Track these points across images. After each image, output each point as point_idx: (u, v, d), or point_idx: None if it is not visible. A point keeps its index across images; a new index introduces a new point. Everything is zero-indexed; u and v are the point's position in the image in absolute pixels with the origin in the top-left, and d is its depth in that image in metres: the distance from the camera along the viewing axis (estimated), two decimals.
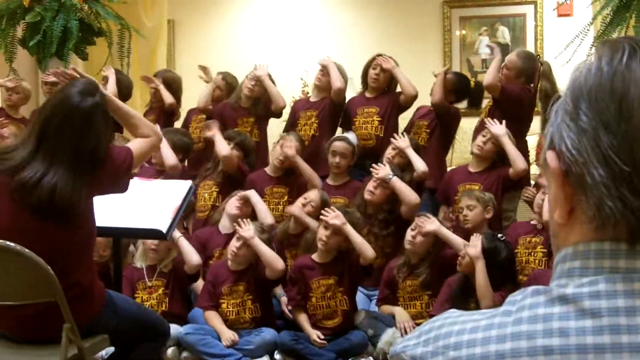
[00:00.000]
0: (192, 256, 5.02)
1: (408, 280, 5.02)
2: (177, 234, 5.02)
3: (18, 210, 3.17)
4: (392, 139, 5.68)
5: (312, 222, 5.23)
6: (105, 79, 6.51)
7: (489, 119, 5.62)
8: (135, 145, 3.53)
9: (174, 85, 6.85)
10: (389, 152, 5.77)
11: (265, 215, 5.47)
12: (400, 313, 4.96)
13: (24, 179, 3.12)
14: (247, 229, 4.92)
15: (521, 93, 5.90)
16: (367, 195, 5.46)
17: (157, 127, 3.97)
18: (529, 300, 0.96)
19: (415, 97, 6.19)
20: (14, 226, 3.19)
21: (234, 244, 5.01)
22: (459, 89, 6.35)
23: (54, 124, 3.22)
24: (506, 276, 4.65)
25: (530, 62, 5.99)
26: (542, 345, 0.91)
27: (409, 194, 5.32)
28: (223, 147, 5.92)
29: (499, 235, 4.83)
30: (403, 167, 5.67)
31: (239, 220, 5.06)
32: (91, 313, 3.30)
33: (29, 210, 3.15)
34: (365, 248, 4.89)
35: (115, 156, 3.36)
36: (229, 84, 6.75)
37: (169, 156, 5.90)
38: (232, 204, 5.48)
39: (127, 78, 6.78)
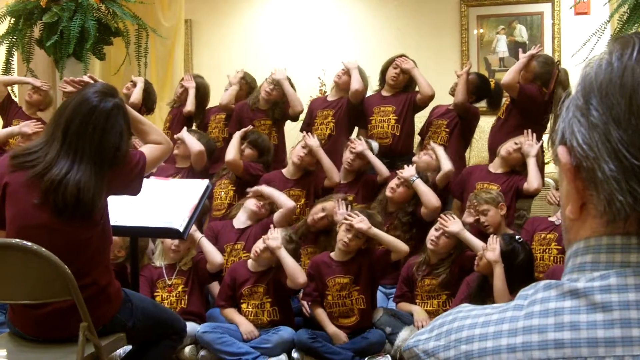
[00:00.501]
0: (215, 256, 5.04)
1: (427, 279, 5.01)
2: (198, 234, 5.05)
3: (39, 208, 3.20)
4: (397, 172, 5.57)
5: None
6: (133, 85, 6.57)
7: (528, 134, 5.62)
8: (148, 150, 3.55)
9: (202, 91, 6.86)
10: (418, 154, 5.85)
11: (285, 201, 5.49)
12: (418, 311, 4.95)
13: (53, 177, 3.16)
14: (275, 238, 4.92)
15: (537, 94, 5.91)
16: (388, 193, 5.51)
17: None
18: (540, 294, 0.97)
19: (432, 97, 6.20)
20: (33, 224, 3.22)
21: (259, 245, 5.01)
22: (480, 90, 6.36)
23: (76, 124, 3.25)
24: (524, 278, 4.64)
25: (548, 67, 5.99)
26: (554, 339, 0.92)
27: (430, 197, 5.34)
28: (195, 144, 6.03)
29: (517, 237, 4.83)
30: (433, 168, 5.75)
31: (271, 226, 5.07)
32: (108, 312, 3.32)
33: (50, 208, 3.18)
34: (398, 244, 4.92)
35: (130, 159, 3.38)
36: (248, 83, 6.76)
37: (194, 144, 5.98)
38: (252, 201, 5.51)
39: (154, 93, 6.84)
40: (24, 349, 3.34)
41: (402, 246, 4.92)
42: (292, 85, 6.51)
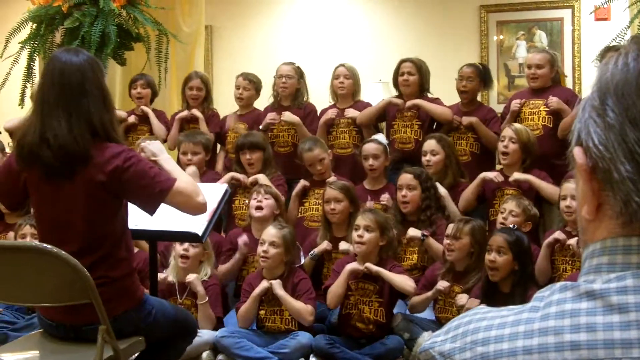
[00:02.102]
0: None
1: (455, 287, 4.98)
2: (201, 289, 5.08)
3: (41, 183, 3.27)
4: (408, 234, 5.46)
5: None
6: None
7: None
8: (182, 180, 3.39)
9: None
10: (424, 160, 5.80)
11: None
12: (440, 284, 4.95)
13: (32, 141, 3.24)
14: (276, 283, 4.95)
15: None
16: (403, 209, 5.50)
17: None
18: (556, 296, 0.97)
19: (451, 119, 6.17)
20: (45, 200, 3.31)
21: (260, 248, 5.03)
22: (485, 78, 6.46)
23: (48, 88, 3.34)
24: (531, 260, 4.77)
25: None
26: (570, 341, 0.91)
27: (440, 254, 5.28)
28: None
29: (511, 225, 4.88)
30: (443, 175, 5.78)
31: (264, 266, 5.07)
32: (119, 305, 3.31)
33: (42, 173, 3.23)
34: (404, 286, 4.88)
35: (153, 170, 3.33)
36: (254, 84, 6.78)
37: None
38: (252, 205, 5.52)
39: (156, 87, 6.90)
40: (43, 350, 3.36)
41: (408, 287, 4.90)
42: (306, 89, 6.62)
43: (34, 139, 3.22)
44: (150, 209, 3.30)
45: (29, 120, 3.36)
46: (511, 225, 4.87)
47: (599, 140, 0.95)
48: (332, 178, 5.81)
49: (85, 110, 3.23)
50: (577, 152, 0.99)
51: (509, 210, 5.17)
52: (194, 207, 3.33)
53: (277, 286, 4.91)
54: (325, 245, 5.39)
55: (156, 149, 3.60)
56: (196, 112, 6.73)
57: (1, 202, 3.71)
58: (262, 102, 6.95)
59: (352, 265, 4.90)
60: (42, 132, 3.21)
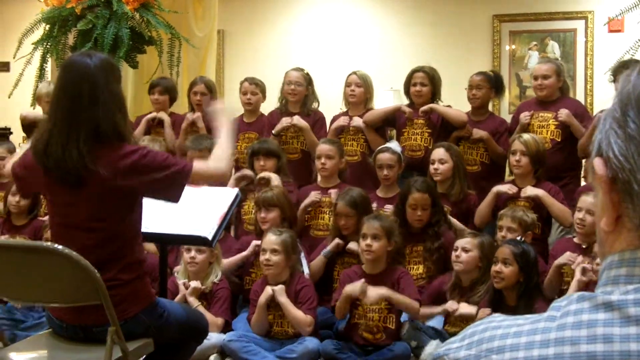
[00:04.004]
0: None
1: (462, 302, 4.98)
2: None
3: (55, 186, 3.30)
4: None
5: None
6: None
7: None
8: (199, 164, 3.49)
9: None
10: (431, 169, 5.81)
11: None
12: (444, 306, 4.94)
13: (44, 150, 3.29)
14: (279, 289, 4.95)
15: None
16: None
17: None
18: (573, 306, 0.97)
19: (465, 122, 6.16)
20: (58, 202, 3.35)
21: (262, 256, 5.05)
22: (498, 85, 6.42)
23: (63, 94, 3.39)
24: (537, 271, 4.74)
25: None
26: (586, 351, 0.91)
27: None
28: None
29: (518, 237, 4.87)
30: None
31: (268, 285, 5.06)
32: (130, 309, 3.32)
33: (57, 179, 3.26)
34: (411, 308, 4.90)
35: (160, 155, 3.38)
36: (260, 87, 6.78)
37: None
38: (258, 219, 5.56)
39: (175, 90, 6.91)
40: (52, 350, 3.37)
41: (413, 310, 4.91)
42: (315, 96, 6.63)
43: (41, 147, 3.27)
44: (174, 197, 3.36)
45: (43, 125, 3.40)
46: (518, 237, 4.86)
47: (620, 151, 0.95)
48: (334, 192, 5.77)
49: (94, 118, 3.24)
50: (597, 163, 0.98)
51: (506, 227, 5.15)
52: (216, 181, 3.68)
53: (280, 292, 4.93)
54: (337, 241, 5.39)
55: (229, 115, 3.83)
56: (163, 114, 6.77)
57: (16, 185, 3.78)
58: (267, 106, 6.93)
59: (353, 292, 4.90)
60: (48, 143, 3.26)
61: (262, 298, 4.94)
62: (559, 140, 5.93)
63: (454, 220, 5.58)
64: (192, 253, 5.11)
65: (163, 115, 6.76)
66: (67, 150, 3.20)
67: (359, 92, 6.44)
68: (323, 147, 5.88)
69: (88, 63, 3.32)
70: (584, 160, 5.86)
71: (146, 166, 3.25)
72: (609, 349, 0.90)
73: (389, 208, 5.69)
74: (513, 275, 4.57)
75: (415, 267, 5.43)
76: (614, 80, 5.55)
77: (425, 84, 6.26)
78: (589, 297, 0.96)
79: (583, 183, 5.92)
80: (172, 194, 3.36)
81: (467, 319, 4.89)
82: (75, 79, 3.31)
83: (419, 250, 5.44)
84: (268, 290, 4.95)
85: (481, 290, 4.89)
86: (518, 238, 4.84)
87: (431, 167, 5.78)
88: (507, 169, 6.02)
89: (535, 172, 5.58)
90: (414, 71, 6.36)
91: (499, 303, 4.61)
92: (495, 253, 4.69)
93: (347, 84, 6.51)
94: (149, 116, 6.81)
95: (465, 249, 4.92)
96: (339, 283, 5.15)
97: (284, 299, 4.90)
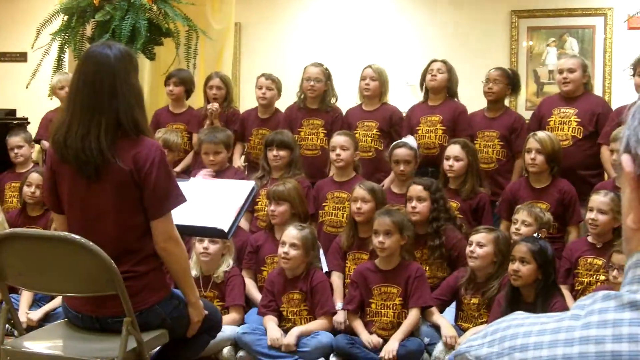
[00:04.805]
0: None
1: (474, 298, 4.97)
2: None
3: (73, 177, 3.32)
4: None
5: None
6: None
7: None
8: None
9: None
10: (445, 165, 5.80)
11: None
12: (446, 326, 4.90)
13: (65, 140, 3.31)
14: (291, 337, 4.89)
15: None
16: (412, 218, 5.38)
17: None
18: (598, 304, 0.95)
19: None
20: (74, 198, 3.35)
21: (281, 249, 5.05)
22: (514, 83, 6.41)
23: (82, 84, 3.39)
24: (554, 269, 4.70)
25: None
26: (611, 351, 0.90)
27: None
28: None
29: (535, 234, 4.84)
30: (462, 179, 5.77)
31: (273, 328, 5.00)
32: (146, 299, 3.32)
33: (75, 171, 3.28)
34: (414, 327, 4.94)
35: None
36: (276, 83, 6.77)
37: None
38: (268, 213, 5.59)
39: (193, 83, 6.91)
40: (68, 341, 3.38)
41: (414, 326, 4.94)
42: (334, 92, 6.61)
43: (61, 139, 3.28)
44: (153, 213, 3.32)
45: (61, 116, 3.42)
46: (535, 234, 4.84)
47: None
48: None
49: (114, 109, 3.26)
50: (625, 160, 0.97)
51: (521, 220, 5.14)
52: (164, 241, 3.35)
53: (293, 335, 4.89)
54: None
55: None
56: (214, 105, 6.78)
57: (46, 201, 3.81)
58: (284, 99, 6.93)
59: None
60: (67, 134, 3.27)
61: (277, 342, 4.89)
62: (580, 136, 5.90)
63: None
64: (206, 243, 5.12)
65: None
66: (87, 141, 3.21)
67: (374, 86, 6.44)
68: (338, 139, 5.88)
69: (108, 54, 3.32)
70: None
71: (157, 168, 3.27)
72: (634, 349, 0.89)
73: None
74: (531, 274, 4.54)
75: (427, 268, 5.38)
76: (634, 74, 5.52)
77: (442, 71, 6.29)
78: (614, 296, 0.95)
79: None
80: (155, 209, 3.32)
81: (479, 314, 4.90)
82: (95, 70, 3.31)
83: (426, 252, 5.40)
84: (276, 335, 4.90)
85: (495, 285, 4.88)
86: (535, 235, 4.81)
87: (445, 164, 5.76)
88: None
89: (551, 171, 5.55)
90: (433, 61, 6.40)
91: (516, 300, 4.59)
92: (512, 251, 4.67)
93: (362, 78, 6.50)
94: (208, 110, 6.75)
95: (480, 243, 4.91)
96: (350, 284, 5.14)
97: (296, 334, 4.88)
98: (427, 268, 5.33)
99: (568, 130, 5.93)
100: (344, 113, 6.66)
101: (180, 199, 3.34)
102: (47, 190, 3.50)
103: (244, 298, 5.25)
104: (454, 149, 5.77)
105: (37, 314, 5.29)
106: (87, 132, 3.23)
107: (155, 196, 3.27)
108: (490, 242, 4.91)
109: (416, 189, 5.43)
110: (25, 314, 5.26)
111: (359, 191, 5.39)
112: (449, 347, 4.74)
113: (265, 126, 6.71)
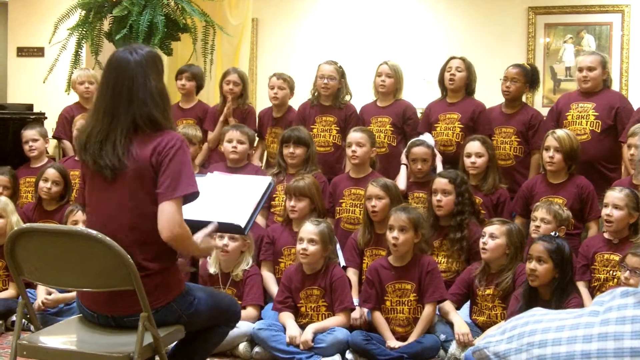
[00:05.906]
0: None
1: (488, 289, 4.97)
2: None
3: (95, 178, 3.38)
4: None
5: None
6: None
7: None
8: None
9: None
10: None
11: None
12: (459, 324, 4.90)
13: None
14: (307, 334, 4.87)
15: None
16: (437, 211, 5.44)
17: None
18: (617, 301, 0.95)
19: None
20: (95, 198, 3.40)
21: (299, 245, 5.05)
22: (533, 79, 6.41)
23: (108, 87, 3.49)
24: (572, 268, 4.69)
25: None
26: (630, 347, 0.90)
27: None
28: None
29: (552, 233, 4.82)
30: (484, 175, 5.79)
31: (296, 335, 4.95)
32: (163, 297, 3.33)
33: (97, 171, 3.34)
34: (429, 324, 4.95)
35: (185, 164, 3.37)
36: (288, 82, 6.78)
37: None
38: (287, 208, 5.60)
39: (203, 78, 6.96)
40: (84, 336, 3.39)
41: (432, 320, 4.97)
42: (348, 89, 6.63)
43: (83, 142, 3.38)
44: (162, 193, 3.28)
45: (86, 120, 3.51)
46: (552, 233, 4.83)
47: None
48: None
49: (130, 114, 3.31)
50: None
51: (540, 218, 5.14)
52: (169, 227, 3.28)
53: (310, 331, 4.88)
54: None
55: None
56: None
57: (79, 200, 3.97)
58: (299, 96, 6.94)
59: None
60: (87, 138, 3.36)
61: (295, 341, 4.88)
62: (599, 131, 5.88)
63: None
64: (225, 240, 5.13)
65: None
66: (105, 148, 3.29)
67: (389, 83, 6.44)
68: (354, 135, 5.88)
69: (129, 59, 3.37)
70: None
71: (175, 154, 3.29)
72: None
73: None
74: (548, 273, 4.53)
75: (441, 260, 5.39)
76: None
77: (461, 69, 6.27)
78: (633, 293, 0.95)
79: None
80: (168, 187, 3.27)
81: (494, 305, 4.91)
82: (116, 75, 3.38)
83: (446, 243, 5.42)
84: (295, 333, 4.89)
85: (509, 276, 4.89)
86: (552, 233, 4.80)
87: (467, 161, 5.75)
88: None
89: (569, 169, 5.54)
90: (451, 58, 6.40)
91: (533, 297, 4.58)
92: (529, 250, 4.66)
93: (378, 74, 6.51)
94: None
95: (493, 235, 4.91)
96: (365, 281, 5.14)
97: (313, 330, 4.87)
98: (444, 260, 5.34)
99: (586, 125, 5.92)
100: (358, 109, 6.65)
101: (192, 188, 3.31)
102: (80, 189, 3.64)
103: (263, 297, 5.26)
104: (474, 146, 5.76)
105: (54, 296, 5.33)
106: (105, 138, 3.29)
107: (168, 177, 3.26)
108: (502, 234, 4.91)
109: (441, 182, 5.45)
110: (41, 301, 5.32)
111: (372, 189, 5.39)
112: (462, 345, 4.74)
113: (278, 125, 6.75)
